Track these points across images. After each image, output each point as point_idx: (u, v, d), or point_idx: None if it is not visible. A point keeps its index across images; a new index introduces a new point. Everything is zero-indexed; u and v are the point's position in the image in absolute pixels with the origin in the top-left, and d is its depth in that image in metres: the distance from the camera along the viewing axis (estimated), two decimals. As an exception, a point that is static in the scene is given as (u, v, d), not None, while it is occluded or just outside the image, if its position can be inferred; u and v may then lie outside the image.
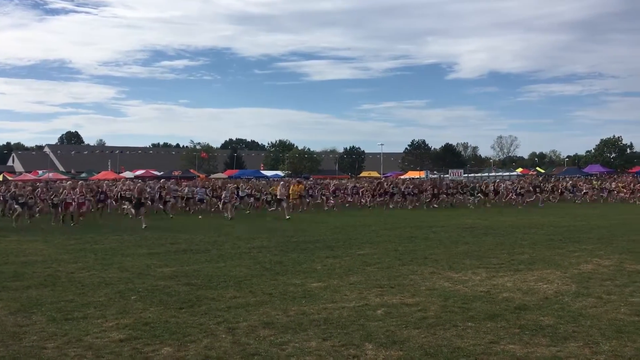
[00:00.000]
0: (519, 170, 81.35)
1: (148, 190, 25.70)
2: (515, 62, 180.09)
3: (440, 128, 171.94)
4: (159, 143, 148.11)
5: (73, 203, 21.99)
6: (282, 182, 28.70)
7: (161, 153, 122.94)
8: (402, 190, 32.49)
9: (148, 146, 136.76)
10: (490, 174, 67.46)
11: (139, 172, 70.10)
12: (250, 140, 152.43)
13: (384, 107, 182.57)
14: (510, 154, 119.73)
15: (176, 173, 65.76)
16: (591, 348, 6.21)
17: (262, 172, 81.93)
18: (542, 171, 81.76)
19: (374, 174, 77.48)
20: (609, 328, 6.97)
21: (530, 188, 35.09)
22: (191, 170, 77.06)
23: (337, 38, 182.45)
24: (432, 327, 7.02)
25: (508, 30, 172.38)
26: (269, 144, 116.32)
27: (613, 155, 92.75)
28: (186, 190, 28.72)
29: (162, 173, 69.08)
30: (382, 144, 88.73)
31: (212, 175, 72.02)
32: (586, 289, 9.25)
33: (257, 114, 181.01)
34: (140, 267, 11.60)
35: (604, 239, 15.79)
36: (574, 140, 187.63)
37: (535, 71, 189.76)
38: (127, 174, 64.61)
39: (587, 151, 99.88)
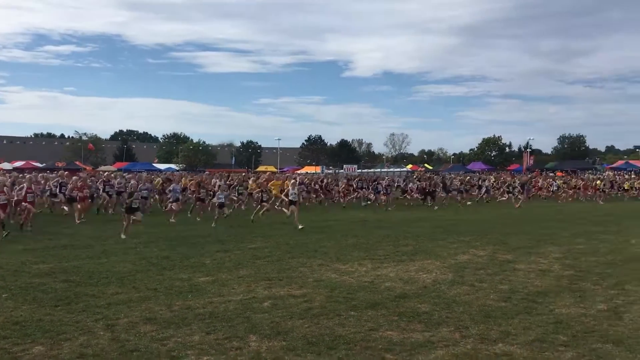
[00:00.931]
0: (409, 166, 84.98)
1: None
2: (408, 62, 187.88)
3: (337, 124, 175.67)
4: (41, 133, 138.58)
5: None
6: (292, 181, 20.83)
7: (43, 144, 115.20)
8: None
9: (29, 136, 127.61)
10: (382, 170, 69.75)
11: (18, 164, 65.31)
12: (142, 132, 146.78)
13: (282, 102, 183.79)
14: (401, 151, 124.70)
15: (59, 164, 61.88)
16: (461, 332, 6.65)
17: (155, 165, 79.30)
18: (430, 168, 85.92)
19: (271, 168, 77.55)
20: (478, 313, 7.49)
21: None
22: (76, 162, 72.92)
23: (235, 30, 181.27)
24: (316, 317, 7.18)
25: (402, 32, 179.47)
26: (163, 136, 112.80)
27: (494, 153, 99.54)
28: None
29: (44, 165, 64.82)
30: (279, 139, 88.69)
31: (101, 168, 68.65)
32: (461, 278, 9.87)
33: (150, 104, 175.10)
34: (14, 264, 10.83)
35: (481, 232, 16.89)
36: (460, 139, 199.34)
37: (426, 72, 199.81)
38: (5, 166, 59.88)
39: (471, 149, 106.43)
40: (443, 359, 5.74)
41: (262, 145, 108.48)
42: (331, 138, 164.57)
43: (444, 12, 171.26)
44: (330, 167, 75.47)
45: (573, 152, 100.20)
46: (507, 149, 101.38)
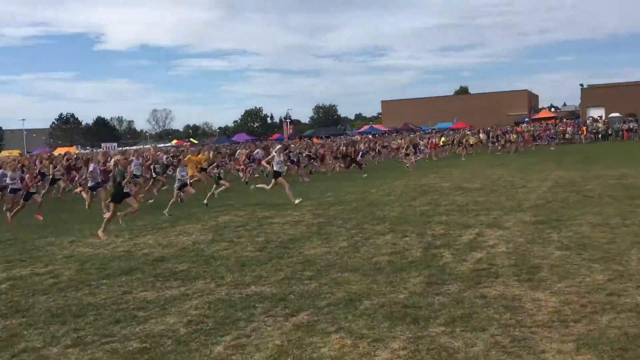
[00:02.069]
0: (174, 141, 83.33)
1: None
2: (166, 35, 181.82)
3: (92, 102, 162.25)
4: None
5: None
6: (279, 146, 17.51)
7: None
8: None
9: None
10: (145, 146, 67.09)
11: None
12: None
13: (24, 79, 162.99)
14: (166, 127, 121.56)
15: None
16: (217, 282, 6.82)
17: None
18: (196, 142, 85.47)
19: (16, 152, 69.04)
20: (235, 264, 7.75)
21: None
22: None
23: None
24: (62, 291, 6.69)
25: (158, 4, 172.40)
26: None
27: (256, 124, 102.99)
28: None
29: None
30: (23, 119, 79.46)
31: None
32: (220, 236, 10.09)
33: None
34: None
35: (244, 194, 17.37)
36: (224, 112, 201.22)
37: (186, 45, 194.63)
38: None
39: (234, 121, 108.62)
40: (197, 307, 5.83)
41: (4, 128, 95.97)
42: (87, 117, 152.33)
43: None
44: (87, 147, 70.20)
45: (327, 120, 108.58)
46: (269, 120, 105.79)
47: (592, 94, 74.17)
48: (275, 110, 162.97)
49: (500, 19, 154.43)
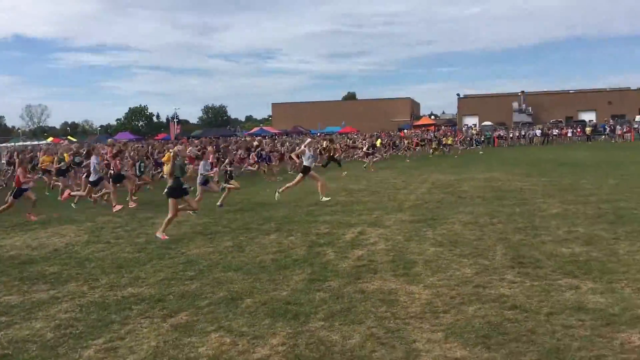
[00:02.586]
0: (50, 139, 78.05)
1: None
2: (44, 27, 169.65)
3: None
4: None
5: None
6: (309, 140, 15.77)
7: None
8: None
9: None
10: (19, 144, 62.30)
11: None
12: None
13: None
14: (41, 124, 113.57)
15: None
16: (90, 284, 6.46)
17: None
18: (75, 140, 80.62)
19: None
20: (110, 266, 7.39)
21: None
22: None
23: None
24: None
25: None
26: None
27: (141, 123, 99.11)
28: None
29: None
30: None
31: None
32: (97, 237, 9.58)
33: None
34: None
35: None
36: (107, 109, 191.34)
37: (65, 38, 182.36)
38: None
39: (117, 119, 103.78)
40: (66, 311, 5.48)
41: None
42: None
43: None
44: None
45: (217, 121, 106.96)
46: (156, 119, 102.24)
47: (467, 103, 79.34)
48: (162, 109, 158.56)
49: (387, 29, 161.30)
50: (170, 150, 14.35)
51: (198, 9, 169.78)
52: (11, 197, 11.98)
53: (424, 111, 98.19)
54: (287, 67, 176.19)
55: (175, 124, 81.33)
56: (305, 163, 13.54)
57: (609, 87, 79.28)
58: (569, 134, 48.85)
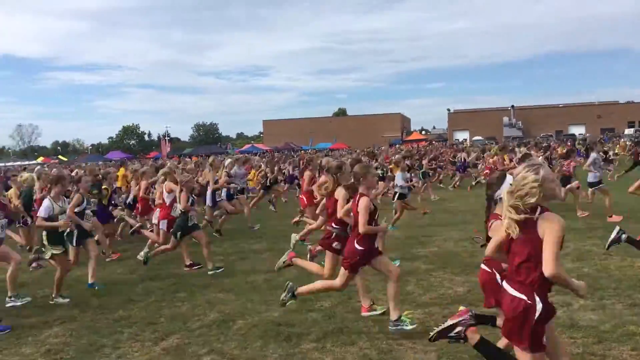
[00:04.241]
0: (41, 159, 77.77)
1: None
2: (31, 46, 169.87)
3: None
4: None
5: None
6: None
7: None
8: None
9: None
10: (11, 164, 62.01)
11: None
12: None
13: None
14: (31, 144, 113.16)
15: None
16: (80, 308, 6.42)
17: None
18: (66, 159, 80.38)
19: None
20: (102, 288, 7.34)
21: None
22: None
23: None
24: None
25: (21, 12, 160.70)
26: None
27: (133, 141, 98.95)
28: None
29: None
30: None
31: None
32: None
33: None
34: None
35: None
36: (98, 128, 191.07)
37: (54, 57, 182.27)
38: None
39: (109, 138, 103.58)
40: (57, 335, 5.44)
41: None
42: None
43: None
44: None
45: (208, 138, 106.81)
46: (147, 138, 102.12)
47: (458, 118, 79.96)
48: (153, 127, 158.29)
49: (375, 45, 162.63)
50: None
51: (188, 27, 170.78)
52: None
53: (414, 126, 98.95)
54: (277, 84, 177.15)
55: (167, 142, 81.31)
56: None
57: (597, 101, 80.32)
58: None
